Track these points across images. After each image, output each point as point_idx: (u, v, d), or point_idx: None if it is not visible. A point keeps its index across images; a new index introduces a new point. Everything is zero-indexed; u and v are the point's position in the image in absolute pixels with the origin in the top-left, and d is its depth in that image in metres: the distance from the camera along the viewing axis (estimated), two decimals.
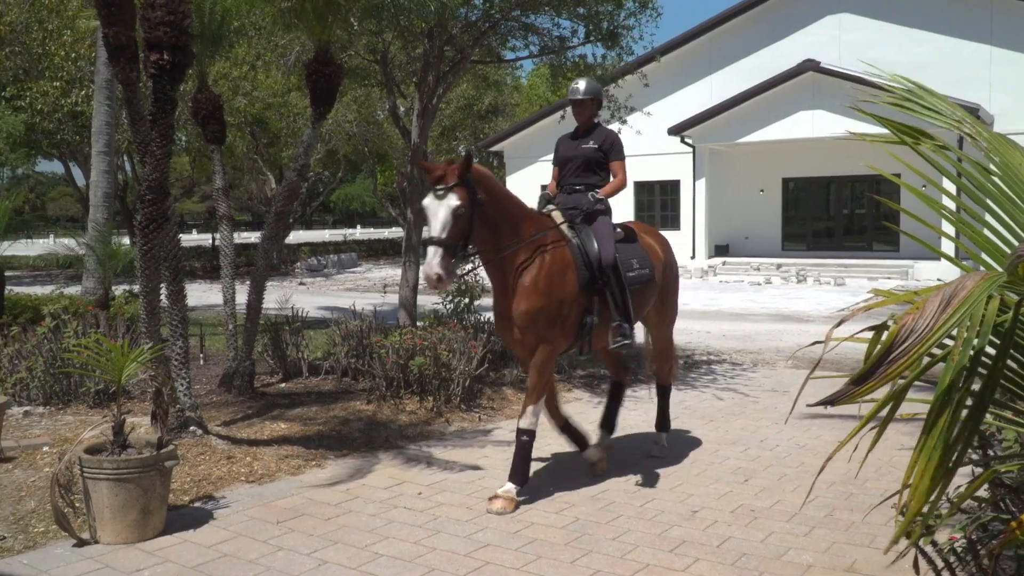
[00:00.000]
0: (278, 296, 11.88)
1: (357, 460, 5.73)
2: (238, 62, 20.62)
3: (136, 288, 7.10)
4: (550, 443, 6.01)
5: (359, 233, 54.37)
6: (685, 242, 24.36)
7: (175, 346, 6.06)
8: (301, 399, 7.39)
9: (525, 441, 4.92)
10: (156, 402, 4.56)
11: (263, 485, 5.16)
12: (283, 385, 8.03)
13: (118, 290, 10.53)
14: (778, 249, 24.95)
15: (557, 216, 5.25)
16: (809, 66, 21.65)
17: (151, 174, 5.74)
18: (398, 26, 9.60)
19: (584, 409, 7.28)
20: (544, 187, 28.98)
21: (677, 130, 23.48)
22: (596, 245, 5.11)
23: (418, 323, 9.13)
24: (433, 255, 4.50)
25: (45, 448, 5.82)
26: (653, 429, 6.08)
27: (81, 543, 4.20)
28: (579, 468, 5.47)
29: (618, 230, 5.43)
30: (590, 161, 5.48)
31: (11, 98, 21.17)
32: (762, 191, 25.07)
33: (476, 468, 5.54)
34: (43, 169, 41.69)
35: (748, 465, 5.59)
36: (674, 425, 6.68)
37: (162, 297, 6.00)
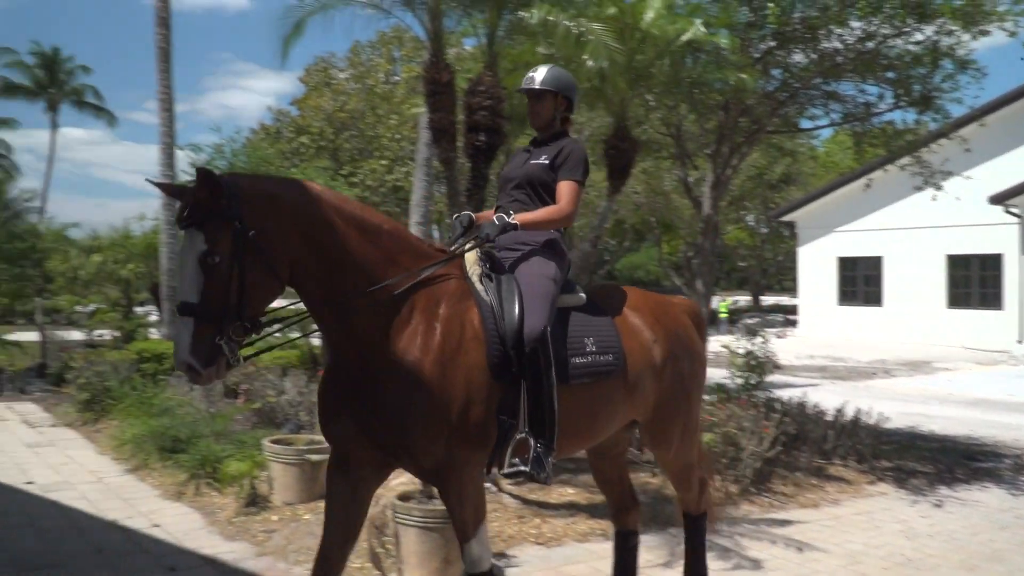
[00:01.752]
0: None
1: (641, 535, 5.65)
2: None
3: None
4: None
5: None
6: (1011, 324, 21.46)
7: None
8: (588, 465, 7.47)
9: None
10: None
11: (551, 548, 5.28)
12: None
13: None
14: None
15: (471, 258, 3.43)
16: None
17: None
18: (693, 100, 9.70)
19: (891, 506, 6.61)
20: (841, 259, 26.86)
21: (1000, 198, 20.98)
22: (517, 306, 3.29)
23: (704, 396, 8.87)
24: (182, 332, 2.76)
25: None
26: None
27: None
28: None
29: (579, 292, 3.65)
30: (534, 181, 3.64)
31: (347, 175, 24.46)
32: None
33: (757, 563, 5.20)
34: None
35: None
36: (1012, 539, 5.79)
37: None
